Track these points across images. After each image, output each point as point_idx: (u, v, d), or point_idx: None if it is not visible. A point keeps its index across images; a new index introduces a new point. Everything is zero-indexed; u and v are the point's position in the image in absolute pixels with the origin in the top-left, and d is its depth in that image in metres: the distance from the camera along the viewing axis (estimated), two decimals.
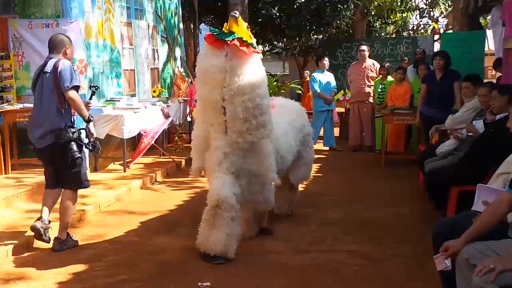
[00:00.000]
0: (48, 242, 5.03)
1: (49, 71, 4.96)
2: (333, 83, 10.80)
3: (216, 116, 4.59)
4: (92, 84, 7.07)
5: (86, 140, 5.11)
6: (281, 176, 5.09)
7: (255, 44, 4.64)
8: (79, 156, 4.99)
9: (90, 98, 5.48)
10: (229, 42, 4.38)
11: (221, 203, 4.52)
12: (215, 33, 4.46)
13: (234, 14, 4.50)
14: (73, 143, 4.95)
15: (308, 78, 14.83)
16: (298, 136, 5.55)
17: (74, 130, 5.02)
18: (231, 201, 4.54)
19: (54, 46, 5.11)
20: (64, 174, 5.06)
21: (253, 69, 4.54)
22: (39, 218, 4.98)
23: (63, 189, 5.14)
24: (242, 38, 4.46)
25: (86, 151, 5.23)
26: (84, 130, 5.13)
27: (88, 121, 5.05)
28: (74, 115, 5.15)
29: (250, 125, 4.52)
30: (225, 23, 4.60)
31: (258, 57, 4.66)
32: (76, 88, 4.93)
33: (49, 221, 5.04)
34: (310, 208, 6.37)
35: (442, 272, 3.23)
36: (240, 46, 4.39)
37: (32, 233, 4.98)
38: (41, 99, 5.05)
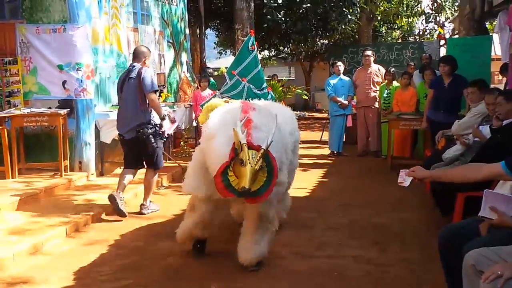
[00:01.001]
0: (122, 214, 6.14)
1: (134, 77, 6.09)
2: (351, 88, 10.79)
3: None
4: (159, 84, 8.10)
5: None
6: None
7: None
8: (157, 147, 6.21)
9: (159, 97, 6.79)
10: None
11: (263, 216, 4.48)
12: (225, 184, 3.97)
13: (241, 162, 3.89)
14: (151, 136, 6.10)
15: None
16: (290, 141, 5.20)
17: (152, 126, 6.14)
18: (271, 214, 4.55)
19: (136, 56, 6.31)
20: (146, 159, 6.38)
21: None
22: (117, 191, 6.21)
23: (146, 169, 6.47)
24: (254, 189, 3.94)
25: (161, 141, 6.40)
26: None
27: (162, 118, 6.24)
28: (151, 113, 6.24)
29: None
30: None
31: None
32: (155, 91, 6.09)
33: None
34: (315, 213, 6.36)
35: (449, 279, 3.23)
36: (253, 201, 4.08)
37: (109, 203, 6.15)
38: (126, 100, 6.20)
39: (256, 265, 4.55)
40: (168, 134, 6.53)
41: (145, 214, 6.40)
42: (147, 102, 6.16)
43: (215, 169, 4.00)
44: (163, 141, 6.50)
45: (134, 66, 6.21)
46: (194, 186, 4.62)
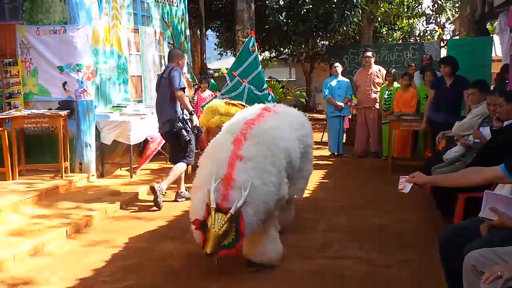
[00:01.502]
0: (159, 207, 6.63)
1: (165, 76, 6.74)
2: (348, 89, 10.78)
3: None
4: (195, 83, 8.97)
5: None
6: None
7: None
8: (189, 139, 6.80)
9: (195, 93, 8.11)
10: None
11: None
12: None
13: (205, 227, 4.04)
14: (183, 130, 6.68)
15: None
16: (298, 147, 5.17)
17: (182, 120, 6.72)
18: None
19: (171, 57, 6.98)
20: (177, 152, 6.94)
21: None
22: (159, 183, 6.77)
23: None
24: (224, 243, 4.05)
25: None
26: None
27: (190, 113, 6.78)
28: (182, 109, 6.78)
29: None
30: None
31: None
32: (183, 89, 6.57)
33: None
34: (316, 214, 6.36)
35: (449, 280, 3.22)
36: (227, 253, 4.09)
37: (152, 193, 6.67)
38: (159, 98, 6.86)
39: (257, 265, 4.56)
40: (199, 127, 7.07)
41: (178, 201, 7.01)
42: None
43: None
44: (194, 135, 7.03)
45: (168, 66, 6.85)
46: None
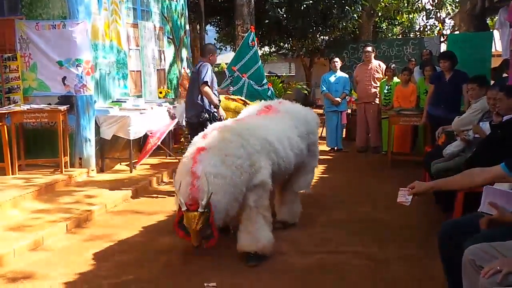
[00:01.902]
0: None
1: (195, 71, 7.12)
2: (346, 84, 10.78)
3: None
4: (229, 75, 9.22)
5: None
6: (280, 181, 5.20)
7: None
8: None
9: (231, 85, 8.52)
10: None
11: (260, 204, 4.64)
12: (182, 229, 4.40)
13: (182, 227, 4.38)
14: (208, 122, 6.70)
15: None
16: (298, 144, 5.33)
17: (209, 112, 6.97)
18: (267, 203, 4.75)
19: (203, 53, 7.40)
20: None
21: None
22: None
23: None
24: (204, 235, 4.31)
25: None
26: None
27: (216, 106, 7.03)
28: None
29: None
30: None
31: None
32: (206, 83, 6.84)
33: None
34: (316, 209, 6.36)
35: (448, 274, 3.23)
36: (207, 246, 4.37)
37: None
38: (189, 91, 7.25)
39: (256, 259, 4.58)
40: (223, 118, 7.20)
41: None
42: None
43: None
44: None
45: (200, 61, 7.15)
46: None
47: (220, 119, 6.95)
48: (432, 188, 3.21)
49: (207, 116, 6.97)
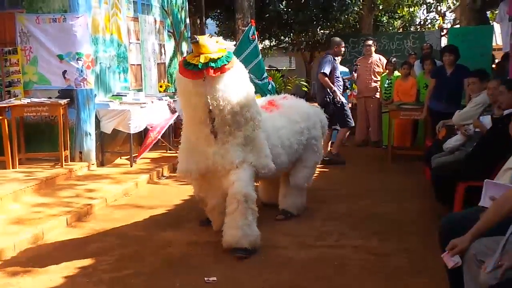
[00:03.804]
0: (343, 162, 8.72)
1: (319, 62, 8.73)
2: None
3: (204, 128, 4.69)
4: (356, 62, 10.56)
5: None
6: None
7: (225, 44, 4.65)
8: (341, 109, 8.60)
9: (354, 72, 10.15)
10: (204, 72, 4.37)
11: (248, 197, 4.64)
12: (187, 66, 4.43)
13: (194, 39, 4.41)
14: (331, 105, 8.43)
15: None
16: (297, 139, 5.44)
17: (329, 97, 8.50)
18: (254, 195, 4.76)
19: (330, 45, 8.91)
20: (337, 118, 8.61)
21: (232, 83, 4.57)
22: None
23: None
24: (214, 58, 4.40)
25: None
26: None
27: (333, 91, 8.45)
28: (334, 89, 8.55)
29: (238, 123, 4.69)
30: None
31: (235, 67, 4.61)
32: (323, 73, 8.41)
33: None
34: (316, 203, 6.36)
35: (449, 268, 3.22)
36: (215, 73, 4.39)
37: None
38: (318, 80, 8.73)
39: (245, 250, 4.60)
40: (341, 101, 8.57)
41: (327, 159, 8.32)
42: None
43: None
44: (338, 108, 8.57)
45: (327, 53, 8.66)
46: (185, 168, 4.94)
47: (338, 103, 8.46)
48: (473, 238, 2.93)
49: (327, 100, 8.43)
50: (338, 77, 8.70)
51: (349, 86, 10.80)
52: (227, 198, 4.70)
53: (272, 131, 5.16)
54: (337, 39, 8.95)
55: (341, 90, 8.90)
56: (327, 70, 8.42)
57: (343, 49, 8.93)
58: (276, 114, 5.42)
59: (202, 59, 4.32)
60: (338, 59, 9.04)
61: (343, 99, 8.69)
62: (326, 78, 8.44)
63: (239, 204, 4.59)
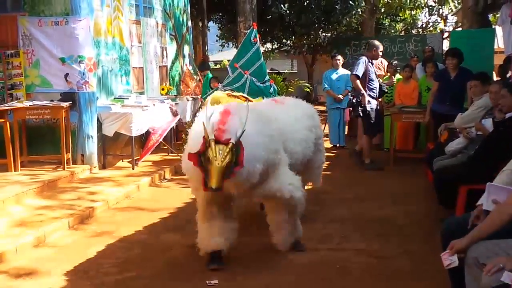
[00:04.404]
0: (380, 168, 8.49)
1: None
2: (348, 81, 10.74)
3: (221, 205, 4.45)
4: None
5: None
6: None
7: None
8: (360, 115, 8.44)
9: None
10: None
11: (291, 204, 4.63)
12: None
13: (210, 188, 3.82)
14: (358, 107, 8.32)
15: None
16: (310, 138, 5.24)
17: (357, 98, 8.33)
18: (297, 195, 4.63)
19: (368, 47, 8.70)
20: (364, 124, 8.58)
21: (253, 160, 4.00)
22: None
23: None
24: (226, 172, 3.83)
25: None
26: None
27: (361, 95, 8.23)
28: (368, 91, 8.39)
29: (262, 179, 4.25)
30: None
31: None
32: (355, 75, 8.23)
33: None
34: (318, 206, 6.36)
35: (451, 271, 3.22)
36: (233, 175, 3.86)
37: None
38: None
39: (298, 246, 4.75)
40: (364, 108, 8.29)
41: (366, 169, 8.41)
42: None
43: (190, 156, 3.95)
44: (365, 114, 8.37)
45: (363, 55, 8.55)
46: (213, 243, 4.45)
47: (362, 105, 8.24)
48: (471, 240, 2.94)
49: (354, 102, 8.37)
50: (372, 81, 8.40)
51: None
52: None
53: (293, 120, 4.99)
54: (376, 42, 8.73)
55: (376, 95, 8.58)
56: (359, 72, 8.22)
57: (380, 53, 8.70)
58: (288, 114, 5.12)
59: (214, 184, 3.75)
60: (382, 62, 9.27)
61: (373, 105, 8.36)
62: (358, 81, 8.23)
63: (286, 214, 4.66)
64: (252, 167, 3.93)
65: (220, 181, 3.74)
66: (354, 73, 8.27)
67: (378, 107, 8.61)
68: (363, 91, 8.20)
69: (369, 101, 8.29)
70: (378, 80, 8.94)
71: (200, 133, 3.92)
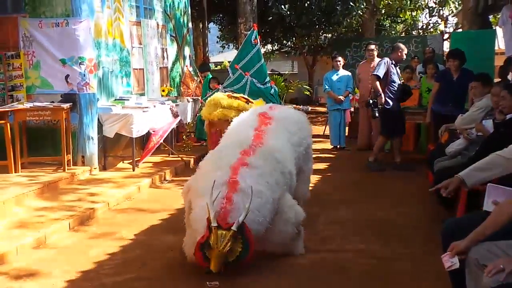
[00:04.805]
0: (383, 169, 8.50)
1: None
2: (349, 82, 10.77)
3: None
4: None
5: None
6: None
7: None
8: (376, 116, 8.42)
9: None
10: None
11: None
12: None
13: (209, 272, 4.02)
14: (371, 108, 8.39)
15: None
16: (298, 151, 5.18)
17: (374, 99, 8.38)
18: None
19: (393, 48, 8.71)
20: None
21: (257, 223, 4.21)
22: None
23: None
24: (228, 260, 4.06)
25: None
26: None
27: (379, 95, 8.24)
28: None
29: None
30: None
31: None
32: (375, 76, 8.29)
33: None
34: (318, 207, 6.35)
35: (452, 272, 3.21)
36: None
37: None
38: None
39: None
40: (380, 109, 8.30)
41: (371, 168, 8.47)
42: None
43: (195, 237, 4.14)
44: (383, 113, 8.33)
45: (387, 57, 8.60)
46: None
47: (379, 106, 8.23)
48: (471, 241, 2.92)
49: (370, 102, 8.39)
50: (393, 82, 8.33)
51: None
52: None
53: (289, 146, 5.01)
54: (401, 45, 8.70)
55: (396, 97, 8.38)
56: (380, 72, 8.24)
57: (404, 55, 8.66)
58: (274, 127, 5.08)
59: (213, 269, 3.96)
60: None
61: (392, 106, 8.31)
62: (377, 81, 8.23)
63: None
64: (258, 233, 4.18)
65: (220, 266, 3.95)
66: (375, 73, 8.31)
67: (398, 109, 8.53)
68: (381, 92, 8.20)
69: (388, 102, 8.28)
70: (402, 82, 8.84)
71: (204, 215, 4.04)
